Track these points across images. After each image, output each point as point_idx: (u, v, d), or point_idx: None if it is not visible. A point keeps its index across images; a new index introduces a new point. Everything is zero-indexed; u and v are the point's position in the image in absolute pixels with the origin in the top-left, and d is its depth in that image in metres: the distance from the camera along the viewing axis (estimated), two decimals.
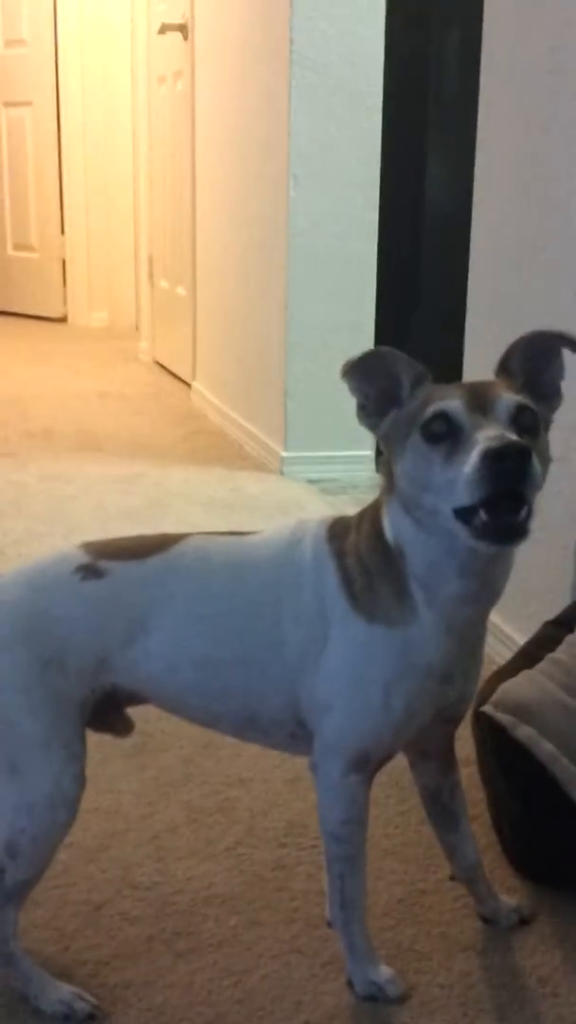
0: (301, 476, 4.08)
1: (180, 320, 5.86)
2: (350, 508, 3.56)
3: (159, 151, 6.17)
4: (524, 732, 1.62)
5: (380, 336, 4.00)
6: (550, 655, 1.94)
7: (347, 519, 1.39)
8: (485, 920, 1.56)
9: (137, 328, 7.35)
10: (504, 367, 1.30)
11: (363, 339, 3.92)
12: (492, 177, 2.58)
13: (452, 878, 1.60)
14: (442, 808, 1.52)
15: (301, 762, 1.91)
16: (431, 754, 1.49)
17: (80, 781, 1.38)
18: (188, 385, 5.74)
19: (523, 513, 1.15)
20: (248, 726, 1.44)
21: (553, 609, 2.10)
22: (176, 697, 1.45)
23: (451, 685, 1.35)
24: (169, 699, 1.46)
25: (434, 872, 1.68)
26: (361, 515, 1.36)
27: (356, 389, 1.29)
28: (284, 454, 4.14)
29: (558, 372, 1.31)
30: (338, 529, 1.38)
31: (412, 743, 1.46)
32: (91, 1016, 1.38)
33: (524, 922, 1.56)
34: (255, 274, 4.49)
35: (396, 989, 1.42)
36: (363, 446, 4.11)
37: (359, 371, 1.28)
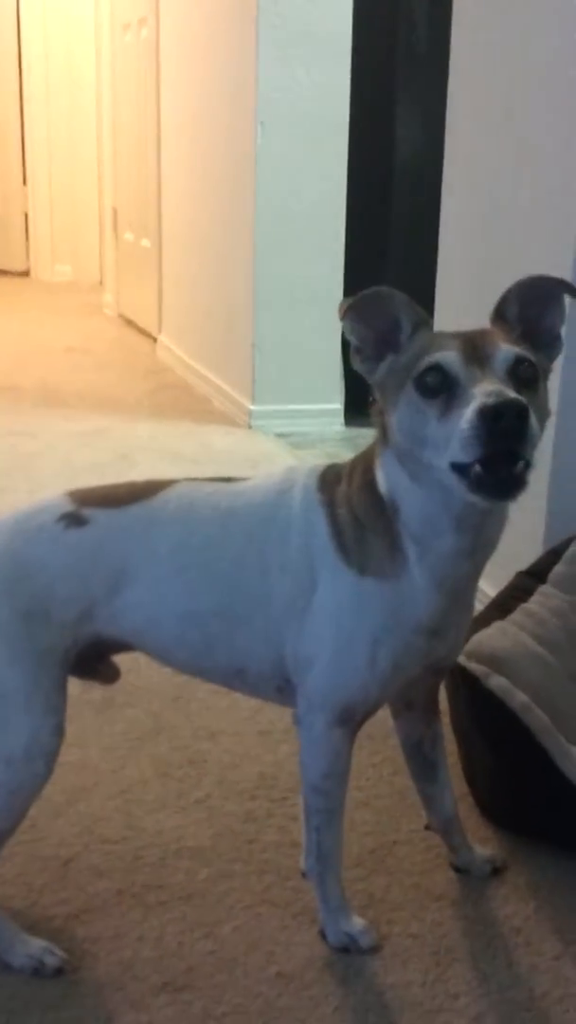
0: (270, 430, 4.05)
1: (145, 273, 5.79)
2: (319, 462, 3.53)
3: (124, 101, 6.07)
4: (497, 682, 1.61)
5: (350, 288, 3.96)
6: (523, 606, 1.94)
7: (338, 467, 1.34)
8: (458, 870, 1.56)
9: (102, 282, 7.27)
10: (500, 314, 1.25)
11: (333, 291, 3.88)
12: (463, 126, 2.54)
13: (427, 827, 1.59)
14: (423, 758, 1.51)
15: (272, 714, 1.91)
16: (416, 704, 1.47)
17: (59, 733, 1.36)
18: (154, 339, 5.68)
19: (520, 466, 1.11)
20: (235, 679, 1.42)
21: (526, 560, 2.10)
22: (161, 649, 1.42)
23: (440, 640, 1.33)
24: (155, 650, 1.44)
25: (406, 823, 1.67)
26: (353, 464, 1.32)
27: (353, 331, 1.24)
28: (252, 408, 4.11)
29: (558, 319, 1.27)
30: (329, 478, 1.33)
31: (398, 694, 1.44)
32: (59, 970, 1.36)
33: (497, 872, 1.56)
34: (222, 225, 4.43)
35: (368, 939, 1.41)
36: (332, 400, 4.08)
37: (358, 312, 1.23)
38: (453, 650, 1.40)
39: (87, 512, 1.38)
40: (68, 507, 1.39)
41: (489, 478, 1.11)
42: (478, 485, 1.12)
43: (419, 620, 1.28)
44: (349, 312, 1.22)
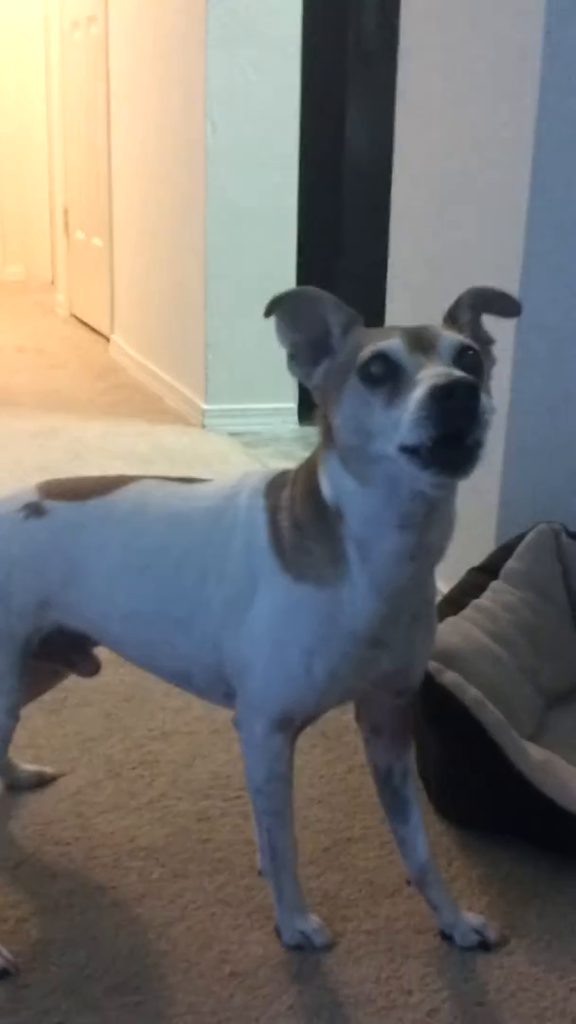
0: (223, 429, 4.04)
1: (97, 272, 5.77)
2: (273, 461, 3.54)
3: (73, 98, 6.04)
4: (450, 678, 1.61)
5: (302, 284, 3.96)
6: (475, 601, 1.95)
7: (288, 474, 1.32)
8: (443, 935, 1.42)
9: (53, 281, 7.22)
10: (451, 316, 1.24)
11: (285, 288, 3.88)
12: (413, 122, 2.55)
13: (408, 882, 1.48)
14: (392, 792, 1.43)
15: (226, 714, 1.89)
16: (383, 731, 1.41)
17: (12, 714, 1.43)
18: (107, 338, 5.66)
19: (471, 440, 1.06)
20: (184, 682, 1.42)
21: (478, 557, 2.11)
22: (114, 646, 1.45)
23: (384, 651, 1.28)
24: (110, 646, 1.46)
25: (360, 820, 1.67)
26: (298, 470, 1.30)
27: (284, 337, 1.21)
28: (205, 407, 4.10)
29: (486, 335, 1.27)
30: (277, 483, 1.32)
31: (364, 717, 1.42)
32: (5, 972, 1.35)
33: (486, 947, 1.41)
34: (174, 224, 4.41)
35: (322, 938, 1.41)
36: (285, 398, 4.08)
37: (283, 317, 1.21)
38: (411, 669, 1.33)
39: (48, 504, 1.43)
40: (32, 498, 1.44)
41: (441, 452, 1.06)
42: (431, 460, 1.07)
43: (356, 627, 1.24)
44: (274, 313, 1.20)
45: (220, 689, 1.37)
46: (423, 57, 2.47)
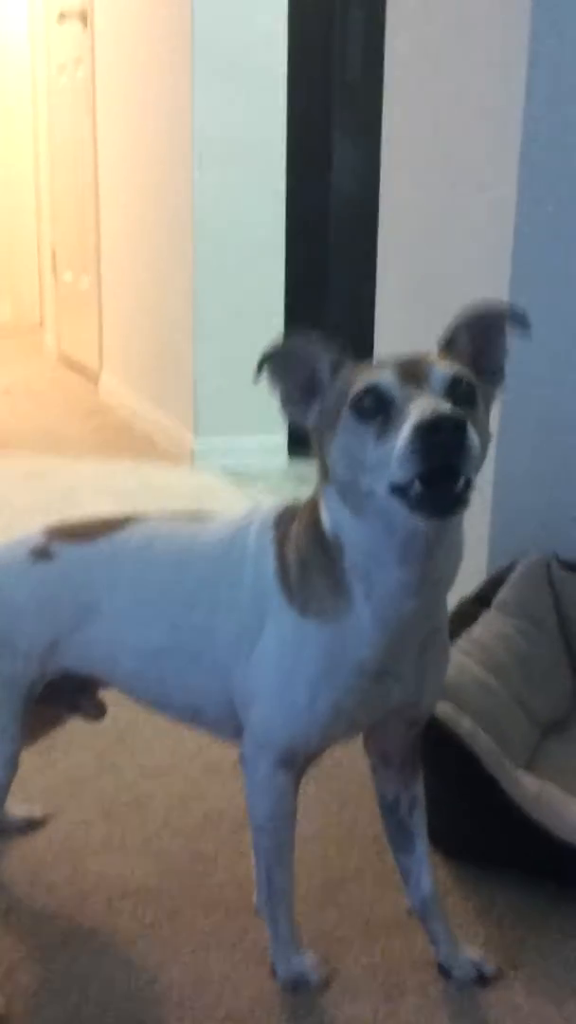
0: (213, 465, 4.04)
1: (85, 312, 5.78)
2: (263, 496, 3.54)
3: (61, 140, 6.08)
4: (443, 709, 1.60)
5: (290, 319, 3.97)
6: (467, 631, 1.94)
7: (296, 507, 1.31)
8: (441, 969, 1.41)
9: (42, 323, 7.24)
10: (448, 341, 1.22)
11: (273, 322, 3.90)
12: (399, 155, 2.56)
13: (410, 912, 1.47)
14: (399, 823, 1.41)
15: (218, 752, 1.89)
16: (392, 759, 1.39)
17: (10, 766, 1.42)
18: (95, 379, 5.67)
19: (460, 484, 1.05)
20: (195, 718, 1.40)
21: (469, 586, 2.10)
22: (124, 685, 1.43)
23: (392, 683, 1.26)
24: (120, 686, 1.44)
25: (355, 857, 1.65)
26: (304, 505, 1.29)
27: (273, 387, 1.21)
28: (195, 443, 4.10)
29: (501, 350, 1.24)
30: (286, 517, 1.31)
31: (372, 745, 1.40)
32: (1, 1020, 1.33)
33: (483, 981, 1.39)
34: (161, 261, 4.43)
35: (318, 976, 1.39)
36: (275, 433, 4.08)
37: (272, 367, 1.21)
38: (421, 701, 1.32)
39: (55, 547, 1.42)
40: (39, 541, 1.44)
41: (429, 494, 1.05)
42: (418, 503, 1.06)
43: (362, 660, 1.23)
44: (264, 369, 1.20)
45: (231, 724, 1.35)
46: (408, 88, 2.48)
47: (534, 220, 2.09)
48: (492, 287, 2.12)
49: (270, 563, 1.28)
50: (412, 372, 1.12)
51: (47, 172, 6.53)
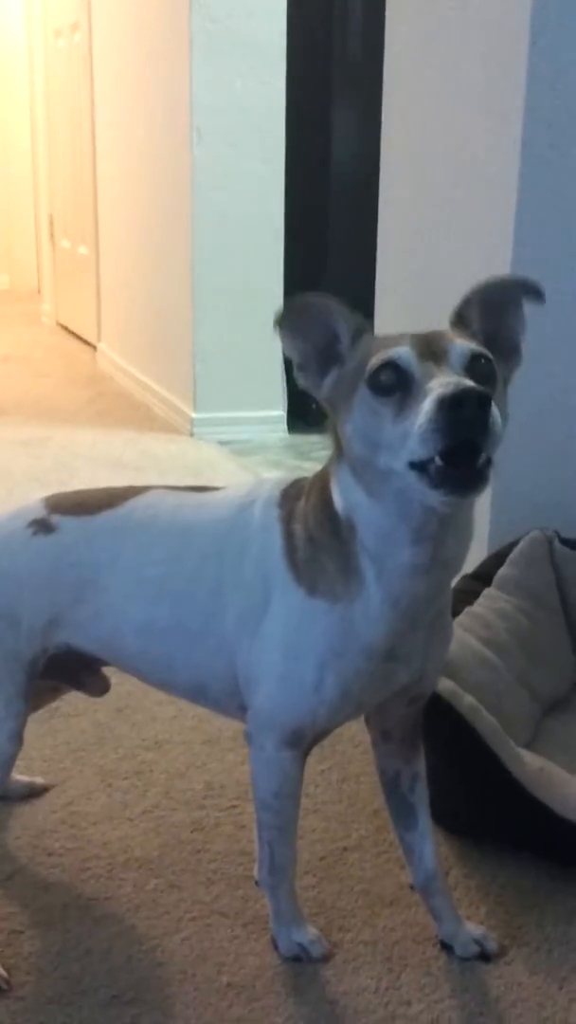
0: (212, 438, 4.03)
1: (83, 281, 5.75)
2: (262, 469, 3.53)
3: (58, 107, 6.03)
4: (444, 685, 1.60)
5: (289, 292, 3.95)
6: (468, 608, 1.94)
7: (302, 482, 1.30)
8: (443, 945, 1.41)
9: (39, 290, 7.21)
10: (460, 318, 1.20)
11: (273, 297, 3.87)
12: (399, 131, 2.54)
13: (412, 887, 1.47)
14: (400, 799, 1.41)
15: (219, 723, 1.89)
16: (393, 735, 1.39)
17: (16, 740, 1.40)
18: (93, 347, 5.64)
19: (481, 460, 1.04)
20: (199, 695, 1.39)
21: (470, 564, 2.09)
22: (126, 662, 1.41)
23: (400, 664, 1.26)
24: (121, 663, 1.43)
25: (356, 829, 1.66)
26: (313, 480, 1.27)
27: (292, 347, 1.18)
28: (194, 415, 4.09)
29: (517, 327, 1.22)
30: (292, 493, 1.29)
31: (373, 722, 1.39)
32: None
33: (485, 958, 1.39)
34: (160, 232, 4.40)
35: (320, 949, 1.39)
36: (274, 407, 4.07)
37: (291, 325, 1.17)
38: (424, 679, 1.31)
39: (56, 519, 1.40)
40: (40, 513, 1.41)
41: (451, 471, 1.04)
42: (440, 480, 1.04)
43: (371, 642, 1.22)
44: (282, 325, 1.17)
45: (235, 701, 1.34)
46: (409, 65, 2.46)
47: (536, 198, 2.07)
48: (493, 267, 2.11)
49: (276, 541, 1.27)
50: (431, 348, 1.10)
51: (44, 139, 6.48)
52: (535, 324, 2.09)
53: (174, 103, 4.02)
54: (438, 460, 1.04)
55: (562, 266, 2.12)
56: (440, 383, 1.05)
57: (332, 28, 4.08)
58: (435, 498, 1.08)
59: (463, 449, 1.03)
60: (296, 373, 1.20)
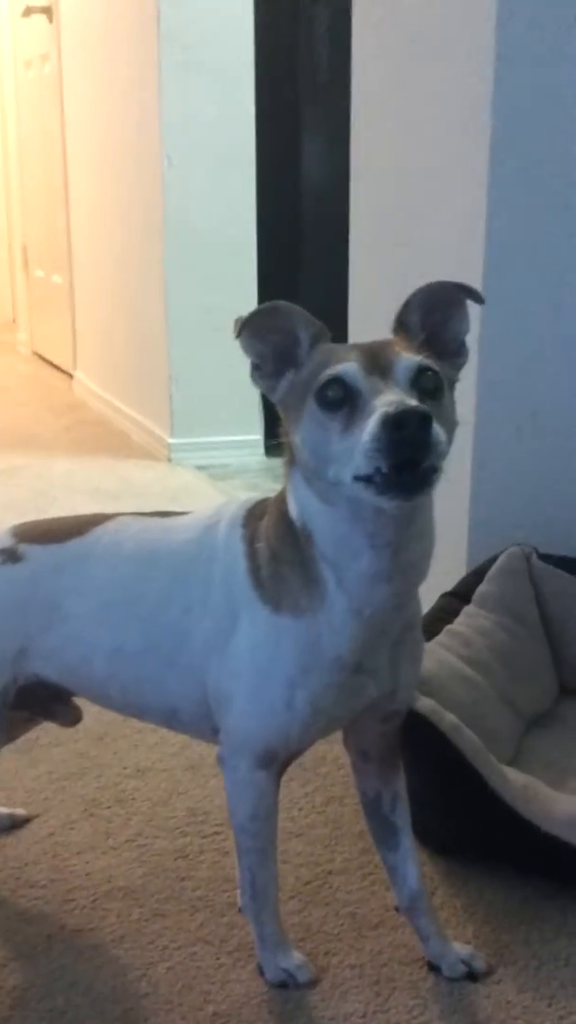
0: (189, 463, 4.03)
1: (58, 309, 5.75)
2: (240, 493, 3.53)
3: (29, 137, 6.04)
4: (425, 704, 1.59)
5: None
6: (448, 627, 1.94)
7: (265, 502, 1.30)
8: (431, 966, 1.40)
9: (15, 320, 7.20)
10: (401, 323, 1.21)
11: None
12: (367, 151, 2.55)
13: (397, 908, 1.46)
14: (382, 820, 1.40)
15: (201, 749, 1.88)
16: (371, 756, 1.38)
17: None
18: (70, 375, 5.64)
19: (425, 466, 1.05)
20: (171, 720, 1.38)
21: (449, 581, 2.09)
22: (96, 689, 1.40)
23: (369, 677, 1.25)
24: (91, 691, 1.42)
25: (340, 852, 1.65)
26: (275, 498, 1.27)
27: (250, 348, 1.19)
28: (171, 441, 4.08)
29: (462, 326, 1.23)
30: (256, 511, 1.29)
31: (351, 743, 1.39)
32: None
33: (473, 977, 1.38)
34: (133, 258, 4.41)
35: (306, 974, 1.38)
36: (252, 430, 4.08)
37: (253, 329, 1.18)
38: (396, 694, 1.30)
39: (23, 548, 1.40)
40: (7, 543, 1.41)
41: (395, 478, 1.05)
42: (384, 487, 1.06)
43: (338, 655, 1.22)
44: (245, 330, 1.18)
45: (208, 724, 1.33)
46: (375, 84, 2.47)
47: (506, 210, 2.08)
48: (466, 279, 2.11)
49: (240, 561, 1.27)
50: (377, 362, 1.11)
51: (16, 168, 6.48)
52: (511, 342, 2.11)
53: (144, 130, 4.03)
54: (382, 471, 1.05)
55: (535, 282, 2.13)
56: (384, 401, 1.06)
57: (299, 53, 4.10)
58: (382, 502, 1.08)
59: (406, 464, 1.04)
60: (251, 372, 1.21)
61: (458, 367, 1.23)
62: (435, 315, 1.21)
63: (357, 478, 1.07)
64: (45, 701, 1.49)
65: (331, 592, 1.20)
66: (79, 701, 1.52)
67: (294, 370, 1.18)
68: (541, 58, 2.03)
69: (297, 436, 1.16)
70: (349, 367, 1.11)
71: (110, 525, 1.40)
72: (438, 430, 1.04)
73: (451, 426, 1.13)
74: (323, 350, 1.17)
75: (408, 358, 1.12)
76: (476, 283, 2.07)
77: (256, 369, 1.21)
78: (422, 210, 2.32)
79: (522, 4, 2.00)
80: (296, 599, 1.22)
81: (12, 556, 1.39)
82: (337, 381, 1.10)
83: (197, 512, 1.39)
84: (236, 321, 1.18)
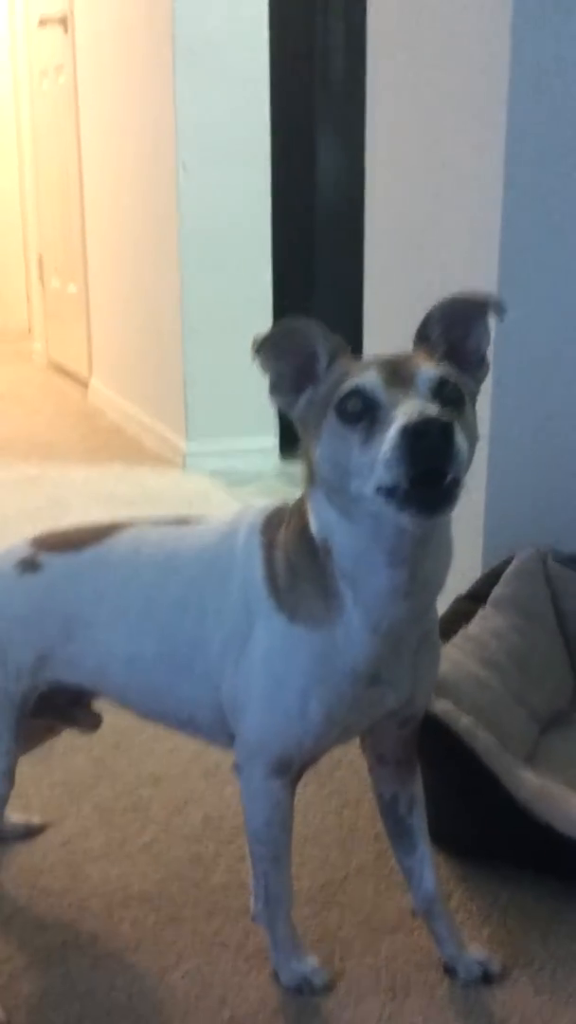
0: (204, 468, 4.03)
1: (74, 318, 5.76)
2: (256, 498, 3.53)
3: (44, 147, 6.06)
4: (441, 706, 1.59)
5: (279, 319, 3.95)
6: (463, 629, 1.93)
7: (285, 509, 1.29)
8: (447, 969, 1.40)
9: (30, 329, 7.22)
10: (423, 336, 1.20)
11: (262, 326, 3.87)
12: (382, 153, 2.55)
13: (414, 913, 1.45)
14: (398, 822, 1.40)
15: (216, 756, 1.88)
16: (388, 759, 1.38)
17: (7, 779, 1.41)
18: (85, 384, 5.65)
19: (448, 480, 1.03)
20: (188, 726, 1.38)
21: (464, 584, 2.09)
22: (116, 695, 1.41)
23: (385, 687, 1.25)
24: (112, 696, 1.43)
25: (355, 857, 1.64)
26: (293, 506, 1.27)
27: (268, 367, 1.18)
28: (186, 447, 4.08)
29: (482, 340, 1.22)
30: (275, 520, 1.29)
31: (368, 746, 1.38)
32: None
33: (488, 980, 1.38)
34: (148, 266, 4.42)
35: (322, 978, 1.38)
36: (267, 435, 4.07)
37: (271, 348, 1.17)
38: (414, 700, 1.30)
39: (42, 557, 1.40)
40: (26, 553, 1.41)
41: (417, 493, 1.04)
42: (406, 502, 1.05)
43: (354, 667, 1.21)
44: (262, 349, 1.17)
45: (224, 731, 1.33)
46: (390, 86, 2.48)
47: (522, 213, 2.08)
48: (481, 283, 2.12)
49: (258, 569, 1.26)
50: (398, 373, 1.10)
51: (32, 179, 6.50)
52: (526, 346, 2.11)
53: (159, 137, 4.04)
54: (404, 485, 1.04)
55: (549, 286, 2.12)
56: (405, 411, 1.05)
57: (313, 53, 4.11)
58: (404, 519, 1.08)
59: (428, 475, 1.03)
60: (270, 391, 1.20)
61: (479, 381, 1.21)
62: (456, 329, 1.20)
63: (379, 490, 1.06)
64: (65, 707, 1.50)
65: (348, 607, 1.19)
66: (99, 705, 1.52)
67: (313, 386, 1.17)
68: (557, 63, 2.02)
69: (317, 451, 1.15)
70: (369, 379, 1.10)
71: (127, 532, 1.40)
72: (460, 440, 1.03)
73: (473, 439, 1.11)
74: (342, 364, 1.16)
75: (429, 369, 1.12)
76: (491, 287, 2.08)
77: (275, 387, 1.19)
78: (437, 214, 2.32)
79: (537, 9, 1.99)
80: (312, 610, 1.21)
81: (32, 566, 1.40)
82: (357, 393, 1.09)
83: (214, 520, 1.39)
84: (253, 340, 1.17)
